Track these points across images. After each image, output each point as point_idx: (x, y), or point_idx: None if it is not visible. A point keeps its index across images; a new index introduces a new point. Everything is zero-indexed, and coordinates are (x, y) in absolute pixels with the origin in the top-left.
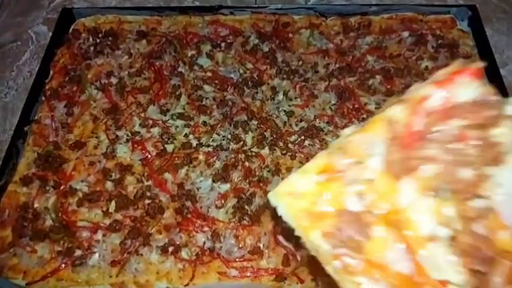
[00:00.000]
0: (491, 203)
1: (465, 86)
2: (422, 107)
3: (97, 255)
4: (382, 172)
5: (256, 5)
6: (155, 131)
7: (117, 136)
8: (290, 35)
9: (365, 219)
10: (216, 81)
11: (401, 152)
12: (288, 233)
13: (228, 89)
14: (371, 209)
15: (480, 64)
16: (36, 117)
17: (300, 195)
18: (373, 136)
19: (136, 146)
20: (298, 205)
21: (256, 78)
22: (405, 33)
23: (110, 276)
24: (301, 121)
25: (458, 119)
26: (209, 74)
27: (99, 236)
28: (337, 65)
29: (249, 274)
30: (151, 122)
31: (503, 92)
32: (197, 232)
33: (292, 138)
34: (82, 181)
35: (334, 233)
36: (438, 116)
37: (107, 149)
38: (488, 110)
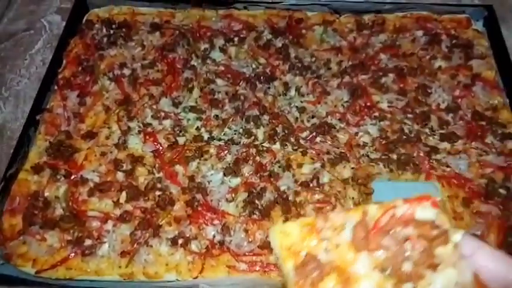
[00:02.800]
0: None
1: (425, 209)
2: (389, 212)
3: (106, 245)
4: (348, 243)
5: (270, 0)
6: (167, 123)
7: (129, 127)
8: (303, 31)
9: (325, 267)
10: (229, 76)
11: (366, 235)
12: None
13: (240, 84)
14: (331, 263)
15: (438, 198)
16: (48, 106)
17: (288, 235)
18: (351, 216)
19: (147, 137)
20: (285, 241)
21: (269, 73)
22: (419, 32)
23: (120, 267)
24: (313, 117)
25: (412, 228)
26: (222, 68)
27: (109, 226)
28: (350, 63)
29: (258, 268)
30: (163, 114)
31: None
32: (207, 225)
33: (304, 134)
34: (93, 171)
35: (301, 267)
36: (399, 221)
37: (118, 139)
38: (438, 232)
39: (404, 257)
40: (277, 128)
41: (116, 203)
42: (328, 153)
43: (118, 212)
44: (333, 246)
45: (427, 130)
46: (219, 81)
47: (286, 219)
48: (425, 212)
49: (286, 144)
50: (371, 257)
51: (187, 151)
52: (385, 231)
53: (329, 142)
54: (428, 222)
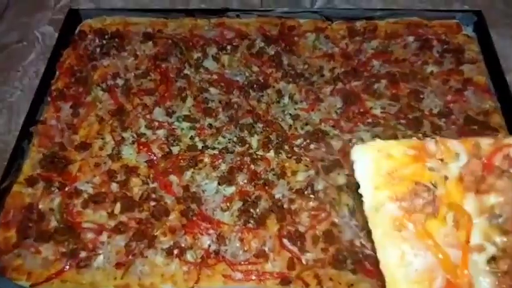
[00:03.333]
0: None
1: None
2: (506, 150)
3: (101, 257)
4: (456, 178)
5: (262, 8)
6: (161, 133)
7: (122, 138)
8: (296, 38)
9: (435, 202)
10: (222, 84)
11: (478, 171)
12: (293, 236)
13: (234, 92)
14: (440, 198)
15: None
16: (41, 118)
17: (389, 156)
18: (462, 148)
19: (141, 147)
20: (384, 164)
21: (262, 81)
22: (411, 38)
23: (115, 279)
24: (306, 125)
25: None
26: (215, 76)
27: (104, 237)
28: (342, 69)
29: (254, 277)
30: (156, 123)
31: (508, 98)
32: (202, 235)
33: (298, 141)
34: (87, 182)
35: (408, 200)
36: None
37: (112, 150)
38: None
39: None
40: (271, 136)
41: (111, 214)
42: (322, 160)
43: (112, 223)
44: (441, 179)
45: (420, 135)
46: (212, 89)
47: (281, 228)
48: None
49: (280, 152)
50: (479, 199)
51: (181, 161)
52: (499, 172)
53: (323, 149)
54: None
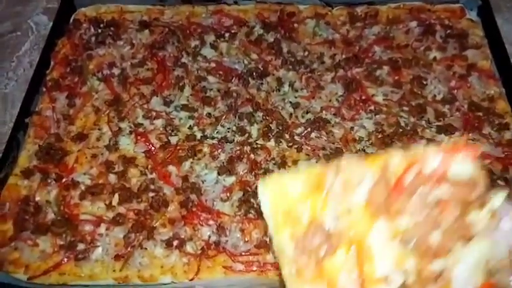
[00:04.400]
0: (448, 273)
1: (462, 163)
2: (415, 167)
3: (100, 249)
4: (363, 206)
5: None
6: (159, 122)
7: (120, 128)
8: (295, 25)
9: (334, 239)
10: (220, 72)
11: (385, 196)
12: None
13: (233, 80)
14: (341, 233)
15: (481, 148)
16: (37, 109)
17: (286, 194)
18: (368, 169)
19: (139, 138)
20: (281, 203)
21: (261, 69)
22: (413, 23)
23: (114, 271)
24: (307, 113)
25: (443, 190)
26: (213, 64)
27: (102, 229)
28: (344, 56)
29: (255, 268)
30: (154, 113)
31: None
32: (202, 226)
33: (299, 130)
34: (84, 174)
35: (302, 240)
36: (428, 179)
37: (109, 141)
38: (474, 195)
39: (433, 226)
40: (271, 125)
41: (109, 206)
42: (323, 148)
43: (110, 214)
44: (344, 211)
45: (424, 122)
46: (211, 78)
47: None
48: (462, 167)
49: (280, 141)
50: (391, 224)
51: (180, 151)
52: (410, 191)
53: (324, 137)
54: (465, 181)
